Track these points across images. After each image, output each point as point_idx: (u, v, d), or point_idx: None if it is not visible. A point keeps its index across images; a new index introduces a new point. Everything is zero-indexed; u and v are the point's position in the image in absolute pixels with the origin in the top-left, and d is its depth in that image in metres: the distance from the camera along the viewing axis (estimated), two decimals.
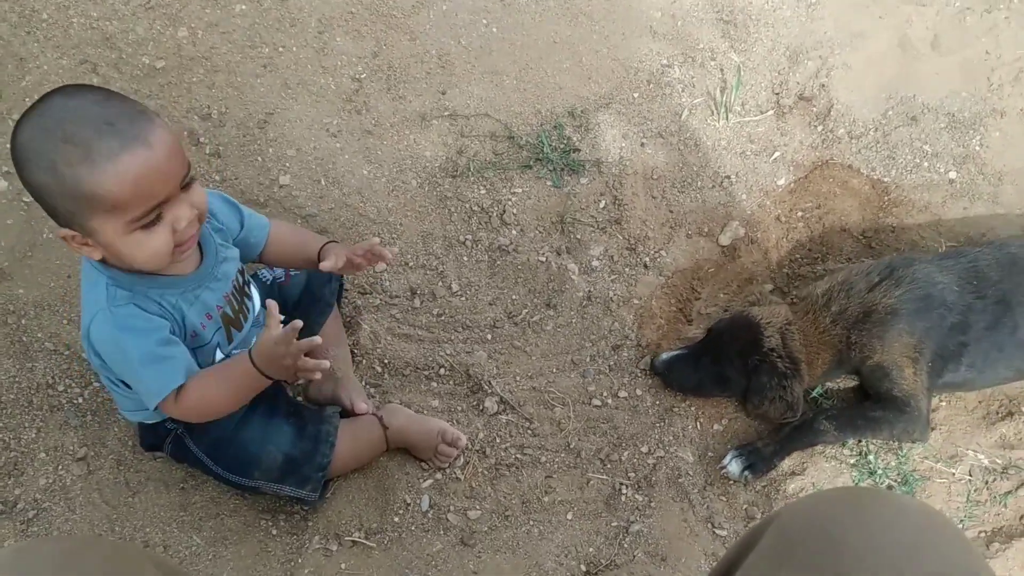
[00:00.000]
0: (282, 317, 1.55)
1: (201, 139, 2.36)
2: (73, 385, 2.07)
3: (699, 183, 2.58)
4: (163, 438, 1.89)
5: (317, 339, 1.55)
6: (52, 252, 2.15)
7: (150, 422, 1.88)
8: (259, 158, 2.38)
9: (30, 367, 2.06)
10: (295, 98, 2.47)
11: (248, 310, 1.82)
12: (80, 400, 2.06)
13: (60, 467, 1.99)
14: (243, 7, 2.52)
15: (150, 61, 2.40)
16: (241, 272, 1.82)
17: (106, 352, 1.57)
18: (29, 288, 2.12)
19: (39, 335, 2.09)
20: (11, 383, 2.04)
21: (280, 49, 2.51)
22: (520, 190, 2.49)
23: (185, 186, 1.48)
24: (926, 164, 2.62)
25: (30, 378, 2.05)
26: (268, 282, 2.07)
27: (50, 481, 1.97)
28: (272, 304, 1.53)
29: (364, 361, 2.20)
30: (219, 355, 1.75)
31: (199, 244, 1.67)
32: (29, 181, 1.40)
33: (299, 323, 1.51)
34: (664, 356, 2.22)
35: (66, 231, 1.44)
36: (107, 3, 2.42)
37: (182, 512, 1.98)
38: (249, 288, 1.85)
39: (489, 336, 2.29)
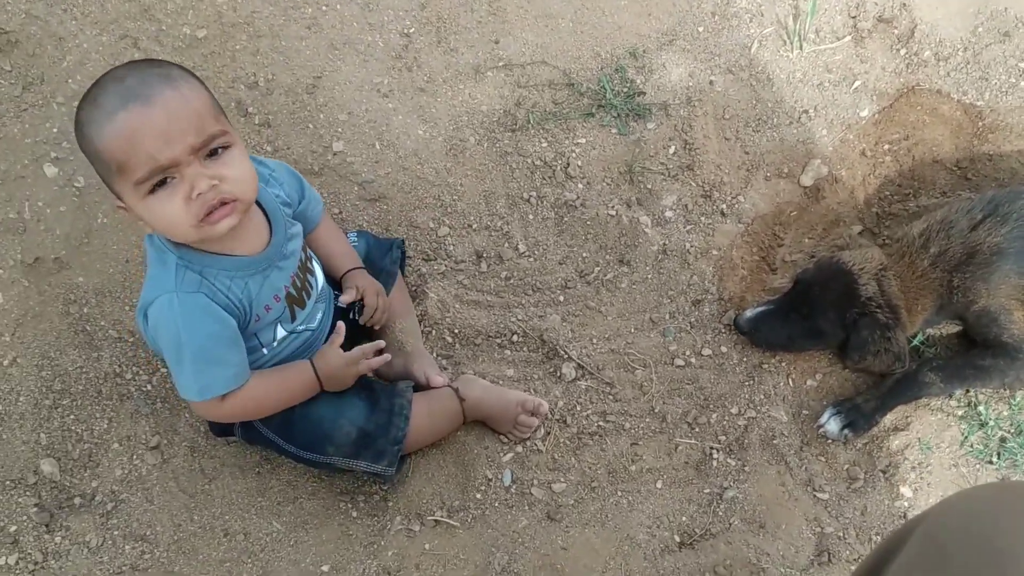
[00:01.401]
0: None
1: (249, 109, 2.26)
2: (141, 372, 2.03)
3: (775, 120, 2.42)
4: (229, 425, 1.84)
5: (380, 343, 1.65)
6: (108, 237, 2.09)
7: None
8: (310, 125, 2.28)
9: (96, 356, 2.02)
10: (343, 59, 2.36)
11: (311, 286, 1.76)
12: (149, 387, 2.02)
13: (135, 456, 1.95)
14: None
15: (191, 31, 2.30)
16: (304, 247, 1.76)
17: (160, 335, 1.54)
18: (88, 276, 2.06)
19: (102, 323, 2.04)
20: (79, 374, 2.00)
21: (323, 8, 2.39)
22: (584, 140, 2.36)
23: (212, 154, 1.42)
24: (1022, 83, 2.41)
25: (97, 368, 2.01)
26: None
27: (126, 472, 1.93)
28: (341, 326, 1.64)
29: (434, 332, 2.11)
30: (280, 332, 1.70)
31: (267, 219, 1.62)
32: (80, 148, 1.43)
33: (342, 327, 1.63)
34: (748, 313, 2.10)
35: (117, 203, 1.46)
36: None
37: (260, 497, 1.93)
38: (312, 263, 1.79)
39: (561, 298, 2.18)
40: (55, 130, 2.14)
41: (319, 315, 1.80)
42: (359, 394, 1.83)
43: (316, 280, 1.78)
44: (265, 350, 1.69)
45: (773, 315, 2.07)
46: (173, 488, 1.93)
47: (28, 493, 1.86)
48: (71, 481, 1.89)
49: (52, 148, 2.13)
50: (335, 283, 1.93)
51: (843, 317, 2.00)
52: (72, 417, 1.96)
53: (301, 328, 1.74)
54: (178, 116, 1.36)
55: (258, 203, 1.62)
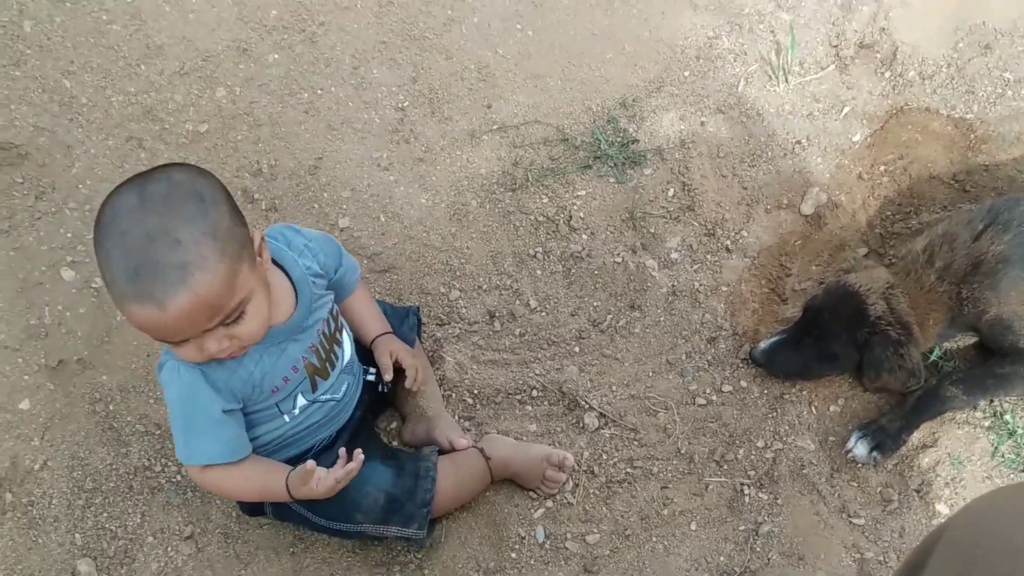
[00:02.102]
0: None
1: (256, 195, 2.32)
2: (169, 464, 2.05)
3: (769, 153, 2.45)
4: (259, 504, 1.85)
5: (353, 465, 1.61)
6: (128, 334, 2.13)
7: None
8: (315, 205, 2.34)
9: (125, 452, 2.04)
10: (341, 138, 2.42)
11: (337, 357, 1.77)
12: (179, 478, 2.03)
13: (169, 548, 1.96)
14: (275, 56, 2.48)
15: (193, 126, 2.37)
16: (334, 316, 1.77)
17: (165, 395, 1.60)
18: (112, 373, 2.10)
19: (128, 419, 2.07)
20: (109, 471, 2.02)
21: (319, 92, 2.46)
22: (583, 192, 2.40)
23: (228, 322, 1.44)
24: (1010, 92, 2.45)
25: (126, 463, 2.03)
26: None
27: (162, 565, 1.94)
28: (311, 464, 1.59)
29: (454, 394, 2.13)
30: (301, 400, 1.71)
31: (295, 290, 1.65)
32: None
33: (312, 464, 1.58)
34: (762, 345, 2.10)
35: None
36: (142, 76, 2.40)
37: None
38: (340, 335, 1.81)
39: (577, 348, 2.20)
40: (69, 235, 2.20)
41: (344, 386, 1.82)
42: (384, 461, 1.85)
43: (343, 351, 1.80)
44: (286, 417, 1.71)
45: (786, 344, 2.08)
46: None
47: None
48: None
49: (68, 253, 2.18)
50: (365, 349, 1.95)
51: (855, 338, 2.00)
52: (105, 515, 1.98)
53: (324, 398, 1.76)
54: (190, 317, 1.37)
55: (286, 273, 1.65)
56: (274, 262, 1.61)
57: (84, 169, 2.28)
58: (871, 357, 2.00)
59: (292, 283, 1.65)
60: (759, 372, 2.14)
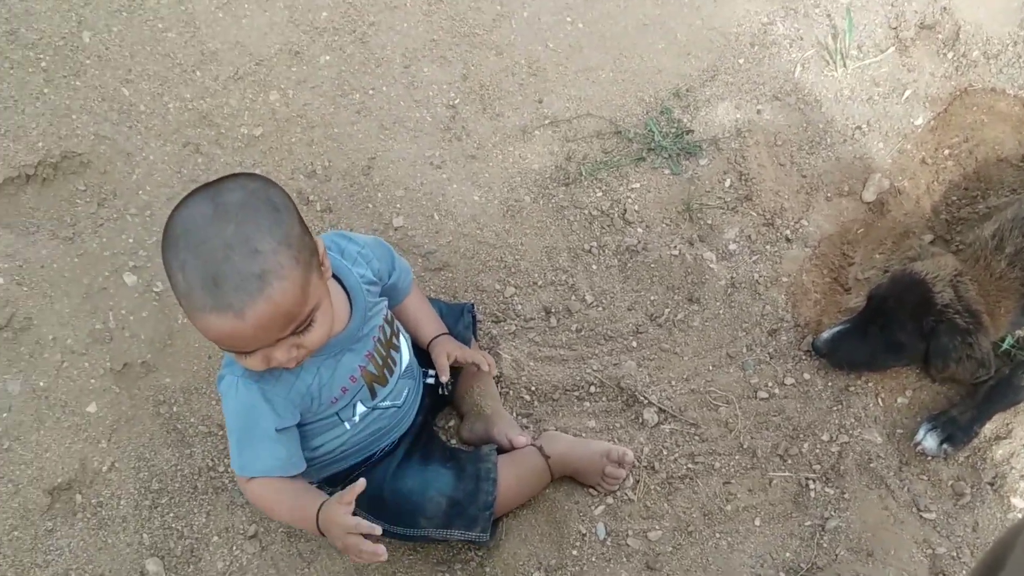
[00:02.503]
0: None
1: (310, 197, 2.34)
2: None
3: (828, 140, 2.40)
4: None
5: (376, 528, 1.51)
6: (190, 337, 2.16)
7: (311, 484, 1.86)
8: (369, 205, 2.34)
9: (189, 453, 2.07)
10: (394, 138, 2.43)
11: (395, 363, 1.77)
12: None
13: (234, 547, 1.98)
14: (327, 58, 2.50)
15: (248, 130, 2.40)
16: (390, 322, 1.77)
17: (223, 406, 1.61)
18: (175, 376, 2.13)
19: (192, 420, 2.10)
20: (174, 472, 2.05)
21: (370, 92, 2.47)
22: (638, 185, 2.37)
23: (297, 331, 1.44)
24: None
25: (191, 463, 2.06)
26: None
27: (227, 564, 1.96)
28: (360, 484, 1.52)
29: (511, 392, 2.12)
30: (360, 408, 1.72)
31: (349, 299, 1.65)
32: None
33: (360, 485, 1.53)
34: (825, 335, 2.06)
35: None
36: (198, 82, 2.43)
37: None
38: (397, 339, 1.81)
39: (634, 343, 2.17)
40: (131, 240, 2.24)
41: (405, 392, 1.82)
42: (444, 464, 1.85)
43: (401, 356, 1.80)
44: (347, 425, 1.72)
45: (850, 334, 2.03)
46: (273, 575, 1.95)
47: None
48: None
49: (130, 258, 2.22)
50: (423, 352, 1.95)
51: (921, 327, 1.95)
52: (172, 515, 2.01)
53: (385, 405, 1.77)
54: (268, 326, 1.38)
55: (340, 283, 1.65)
56: None
57: (143, 175, 2.32)
58: (938, 346, 1.94)
59: (346, 292, 1.65)
60: (822, 364, 2.10)
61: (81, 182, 2.29)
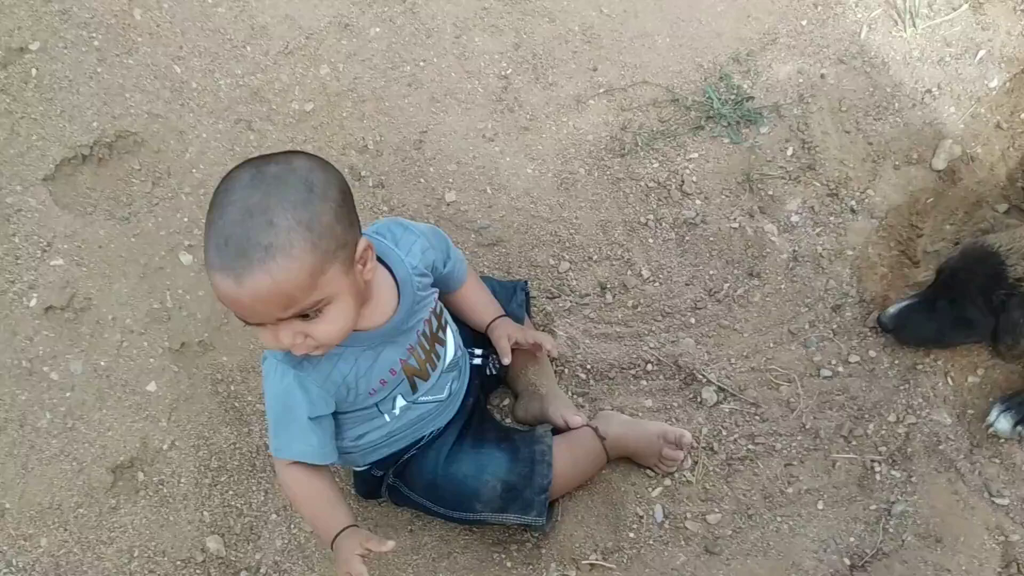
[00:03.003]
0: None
1: (363, 173, 2.32)
2: None
3: (896, 105, 2.30)
4: (376, 486, 1.86)
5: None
6: None
7: (357, 468, 1.87)
8: (422, 179, 2.32)
9: (247, 431, 2.08)
10: (445, 110, 2.39)
11: (439, 357, 1.74)
12: None
13: (292, 526, 2.00)
14: (377, 30, 2.46)
15: (299, 106, 2.38)
16: (437, 315, 1.74)
17: (264, 387, 1.61)
18: (232, 354, 2.14)
19: (249, 399, 2.11)
20: (232, 450, 2.07)
21: (421, 64, 2.43)
22: (696, 155, 2.30)
23: (305, 316, 1.41)
24: None
25: (249, 442, 2.08)
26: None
27: (286, 542, 1.98)
28: (389, 545, 1.51)
29: (566, 370, 2.09)
30: (400, 402, 1.70)
31: (398, 291, 1.61)
32: None
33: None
34: (891, 309, 1.98)
35: None
36: (248, 58, 2.42)
37: (415, 555, 1.94)
38: (444, 333, 1.76)
39: (692, 320, 2.12)
40: (185, 219, 2.25)
41: (448, 386, 1.79)
42: (499, 445, 1.83)
43: (446, 351, 1.76)
44: (387, 416, 1.70)
45: (918, 308, 1.95)
46: (331, 554, 1.96)
47: (199, 572, 1.93)
48: (236, 556, 1.95)
49: (185, 237, 2.23)
50: (479, 334, 1.93)
51: (991, 301, 1.85)
52: (231, 492, 2.03)
53: (426, 399, 1.74)
54: (265, 300, 1.35)
55: (391, 273, 1.61)
56: (379, 260, 1.59)
57: (196, 153, 2.32)
58: (1007, 320, 1.84)
59: (396, 283, 1.61)
60: (889, 341, 2.03)
61: (136, 161, 2.30)
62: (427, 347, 1.69)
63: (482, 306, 1.92)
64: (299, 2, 2.48)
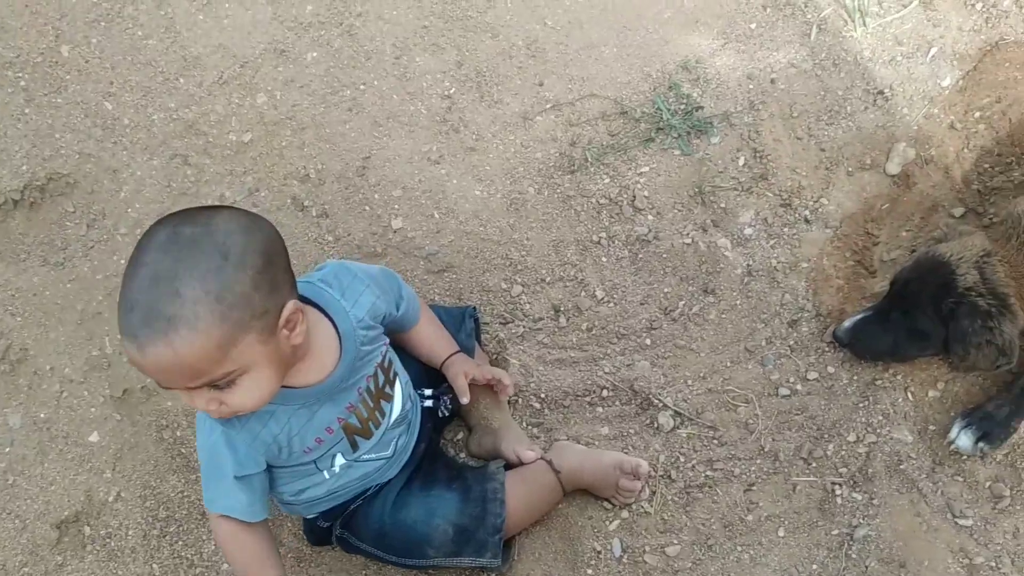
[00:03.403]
0: None
1: (305, 203, 2.25)
2: None
3: (848, 108, 2.25)
4: (325, 535, 1.81)
5: None
6: None
7: (308, 516, 1.81)
8: (367, 207, 2.25)
9: (195, 478, 2.02)
10: (388, 134, 2.32)
11: (383, 414, 1.66)
12: None
13: None
14: (314, 55, 2.39)
15: (237, 137, 2.31)
16: (385, 368, 1.65)
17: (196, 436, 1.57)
18: (176, 399, 2.07)
19: (195, 444, 2.04)
20: (181, 499, 2.01)
21: (361, 87, 2.36)
22: (647, 168, 2.24)
23: (217, 386, 1.35)
24: None
25: (197, 489, 2.01)
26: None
27: None
28: None
29: (520, 400, 2.03)
30: (340, 460, 1.62)
31: (340, 343, 1.53)
32: None
33: None
34: (847, 323, 1.93)
35: None
36: (182, 90, 2.35)
37: None
38: (391, 388, 1.68)
39: (648, 341, 2.07)
40: (122, 261, 2.17)
41: (394, 443, 1.72)
42: (449, 486, 1.77)
43: (392, 407, 1.68)
44: (326, 473, 1.64)
45: (873, 321, 1.90)
46: None
47: None
48: None
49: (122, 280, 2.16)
50: (432, 372, 1.86)
51: (941, 311, 1.81)
52: (180, 543, 1.97)
53: (368, 458, 1.67)
54: (167, 371, 1.29)
55: (334, 326, 1.54)
56: (321, 310, 1.52)
57: (132, 192, 2.25)
58: (956, 329, 1.79)
59: (339, 337, 1.53)
60: (847, 355, 1.98)
61: (69, 204, 2.23)
62: (371, 404, 1.62)
63: (436, 343, 1.84)
64: (232, 30, 2.40)
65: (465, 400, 1.79)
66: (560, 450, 1.88)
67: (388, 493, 1.74)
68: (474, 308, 2.04)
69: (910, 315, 1.85)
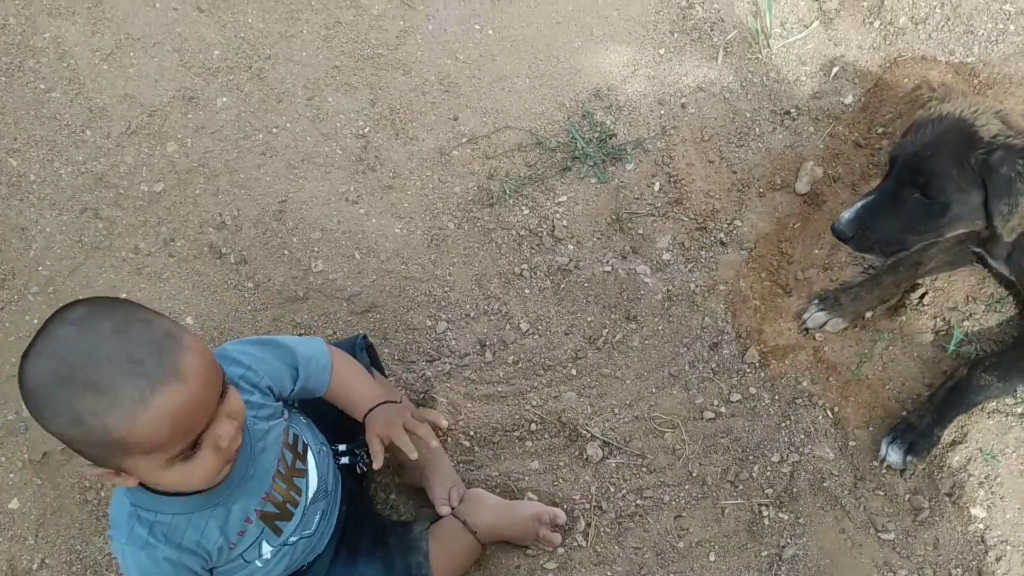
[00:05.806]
0: None
1: (223, 250, 2.22)
2: None
3: (757, 129, 2.29)
4: None
5: None
6: None
7: None
8: (286, 251, 2.23)
9: None
10: (304, 176, 2.30)
11: (300, 491, 1.60)
12: None
13: None
14: (224, 100, 2.36)
15: (148, 187, 2.27)
16: (291, 445, 1.58)
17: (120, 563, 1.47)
18: None
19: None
20: (108, 562, 1.96)
21: (274, 130, 2.34)
22: (565, 198, 2.26)
23: (220, 395, 1.30)
24: (1012, 27, 2.25)
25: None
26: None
27: None
28: None
29: (449, 439, 2.02)
30: (266, 548, 1.56)
31: None
32: (51, 430, 1.23)
33: None
34: (846, 214, 1.72)
35: (98, 471, 1.29)
36: (89, 142, 2.30)
37: None
38: (304, 462, 1.62)
39: (574, 371, 2.08)
40: (35, 321, 2.12)
41: (317, 517, 1.66)
42: (371, 559, 1.73)
43: (308, 483, 1.62)
44: (257, 563, 1.57)
45: (880, 205, 1.68)
46: None
47: None
48: None
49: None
50: (349, 423, 1.75)
51: (966, 169, 1.58)
52: None
53: (294, 539, 1.61)
54: (207, 377, 1.25)
55: None
56: None
57: (41, 250, 2.19)
58: (996, 181, 1.54)
59: None
60: (767, 375, 2.00)
61: None
62: (284, 486, 1.55)
63: (355, 399, 1.71)
64: (138, 79, 2.36)
65: (377, 465, 1.63)
66: (474, 506, 1.84)
67: (319, 567, 1.70)
68: (364, 336, 1.90)
69: (927, 187, 1.64)
